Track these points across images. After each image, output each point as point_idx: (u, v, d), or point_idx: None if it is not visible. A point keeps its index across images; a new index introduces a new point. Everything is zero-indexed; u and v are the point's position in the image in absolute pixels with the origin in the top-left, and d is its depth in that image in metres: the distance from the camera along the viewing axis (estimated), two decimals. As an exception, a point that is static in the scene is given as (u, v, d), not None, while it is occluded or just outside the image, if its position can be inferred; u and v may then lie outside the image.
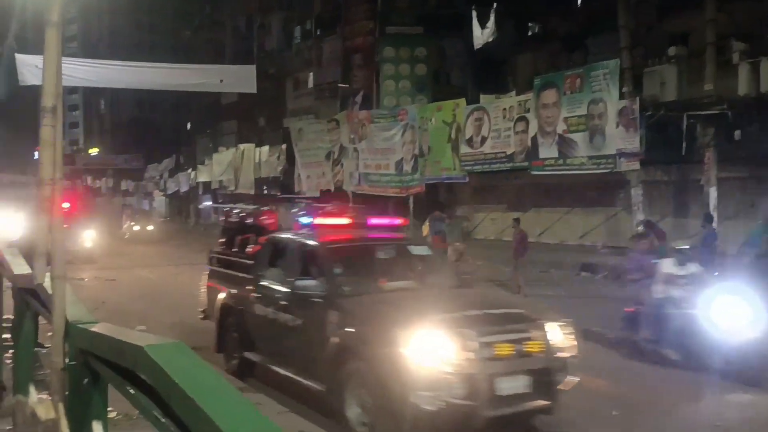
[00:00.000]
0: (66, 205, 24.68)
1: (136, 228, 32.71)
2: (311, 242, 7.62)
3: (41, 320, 4.15)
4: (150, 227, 33.35)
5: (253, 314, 7.67)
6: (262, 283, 7.71)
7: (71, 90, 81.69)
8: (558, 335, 6.08)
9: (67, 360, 2.74)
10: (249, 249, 9.05)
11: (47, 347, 3.30)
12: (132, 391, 2.03)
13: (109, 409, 5.48)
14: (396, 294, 6.82)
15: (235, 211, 11.79)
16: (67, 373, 2.73)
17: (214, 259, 9.56)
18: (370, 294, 6.72)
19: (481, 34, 17.10)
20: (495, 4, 17.01)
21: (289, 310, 6.97)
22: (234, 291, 8.24)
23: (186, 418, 1.56)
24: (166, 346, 1.86)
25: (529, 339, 5.89)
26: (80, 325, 2.63)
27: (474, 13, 17.17)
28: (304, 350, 6.71)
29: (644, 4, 19.90)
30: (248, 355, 7.70)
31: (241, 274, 8.33)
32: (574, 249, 20.74)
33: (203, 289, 9.26)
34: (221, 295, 8.44)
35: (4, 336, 6.33)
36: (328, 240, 7.63)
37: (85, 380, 2.57)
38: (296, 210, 11.22)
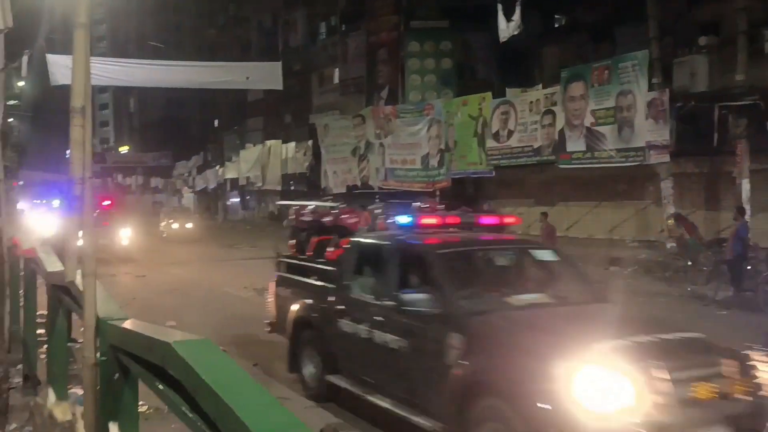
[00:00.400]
0: (107, 202, 24.44)
1: (175, 226, 30.57)
2: (416, 246, 6.27)
3: (75, 316, 4.24)
4: (189, 225, 31.02)
5: (338, 331, 6.45)
6: (349, 294, 6.54)
7: (101, 89, 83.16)
8: (756, 368, 4.80)
9: (98, 355, 2.80)
10: (329, 252, 7.87)
11: (80, 342, 3.37)
12: (161, 386, 2.07)
13: (140, 402, 5.60)
14: (532, 311, 5.49)
15: (309, 208, 10.13)
16: (98, 368, 2.79)
17: (283, 265, 8.38)
18: (500, 311, 5.41)
19: (507, 27, 16.93)
20: (518, -3, 16.85)
21: (388, 328, 5.72)
22: (312, 302, 7.06)
23: (212, 413, 1.59)
24: (193, 343, 1.89)
25: (723, 375, 4.61)
26: (111, 322, 2.68)
27: (499, 6, 16.99)
28: (412, 379, 5.55)
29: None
30: (332, 378, 6.51)
31: (320, 283, 7.19)
32: (602, 243, 20.50)
33: (270, 299, 8.11)
34: (295, 307, 7.25)
35: (38, 331, 6.50)
36: (438, 243, 6.27)
37: (116, 375, 2.62)
38: (372, 206, 9.05)
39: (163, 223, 31.23)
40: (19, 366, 6.54)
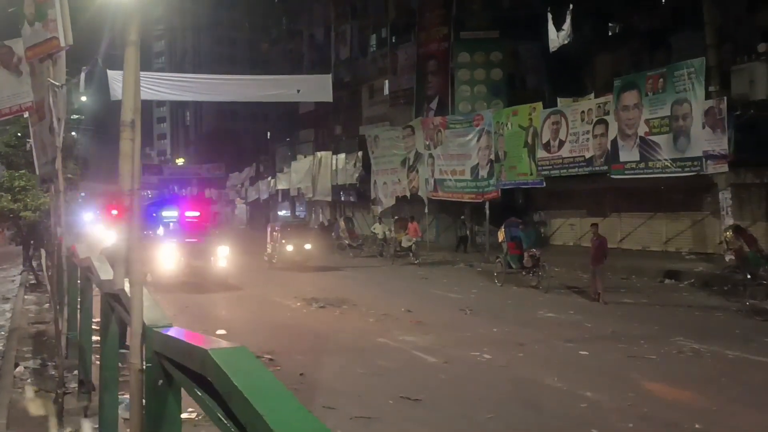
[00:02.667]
0: (193, 213, 19.65)
1: (289, 248, 21.64)
2: None
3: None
4: (307, 246, 22.02)
5: None
6: None
7: (159, 103, 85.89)
8: None
9: (144, 362, 2.87)
10: None
11: (130, 349, 3.46)
12: (199, 392, 2.11)
13: (190, 409, 5.72)
14: None
15: None
16: (144, 374, 2.87)
17: None
18: None
19: (557, 37, 16.76)
20: (571, 5, 16.65)
21: None
22: None
23: (243, 419, 1.62)
24: (229, 350, 1.93)
25: None
26: (156, 329, 2.75)
27: (549, 15, 16.84)
28: None
29: (732, -3, 19.05)
30: None
31: None
32: (657, 255, 20.00)
33: None
34: None
35: (94, 338, 6.71)
36: None
37: (160, 381, 2.68)
38: None
39: (271, 245, 22.58)
40: (76, 371, 6.77)
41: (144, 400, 2.85)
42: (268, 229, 23.63)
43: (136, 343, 2.91)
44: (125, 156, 2.98)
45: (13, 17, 8.08)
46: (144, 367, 2.91)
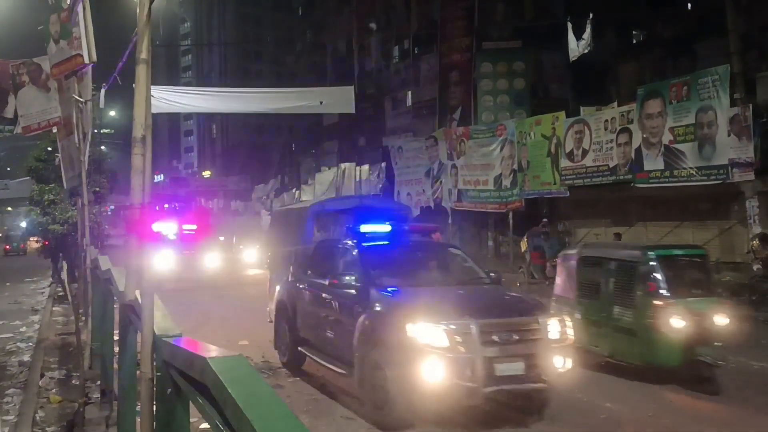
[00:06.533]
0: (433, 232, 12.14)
1: (681, 324, 8.11)
2: None
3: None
4: (720, 319, 8.55)
5: None
6: None
7: (186, 117, 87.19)
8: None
9: (155, 371, 2.94)
10: None
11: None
12: (200, 401, 2.17)
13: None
14: None
15: None
16: (154, 382, 2.94)
17: None
18: None
19: (577, 46, 16.70)
20: (591, 14, 16.61)
21: None
22: None
23: (236, 425, 1.67)
24: (227, 359, 1.99)
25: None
26: (165, 338, 2.82)
27: (570, 25, 16.80)
28: None
29: (758, 4, 18.80)
30: None
31: None
32: (684, 265, 19.67)
33: None
34: None
35: (116, 349, 6.83)
36: None
37: (169, 390, 2.75)
38: None
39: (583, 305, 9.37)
40: (99, 382, 6.90)
41: (155, 409, 2.93)
42: (568, 262, 10.26)
43: (147, 352, 2.99)
44: (136, 171, 3.08)
45: (42, 35, 8.31)
46: (154, 376, 2.99)
